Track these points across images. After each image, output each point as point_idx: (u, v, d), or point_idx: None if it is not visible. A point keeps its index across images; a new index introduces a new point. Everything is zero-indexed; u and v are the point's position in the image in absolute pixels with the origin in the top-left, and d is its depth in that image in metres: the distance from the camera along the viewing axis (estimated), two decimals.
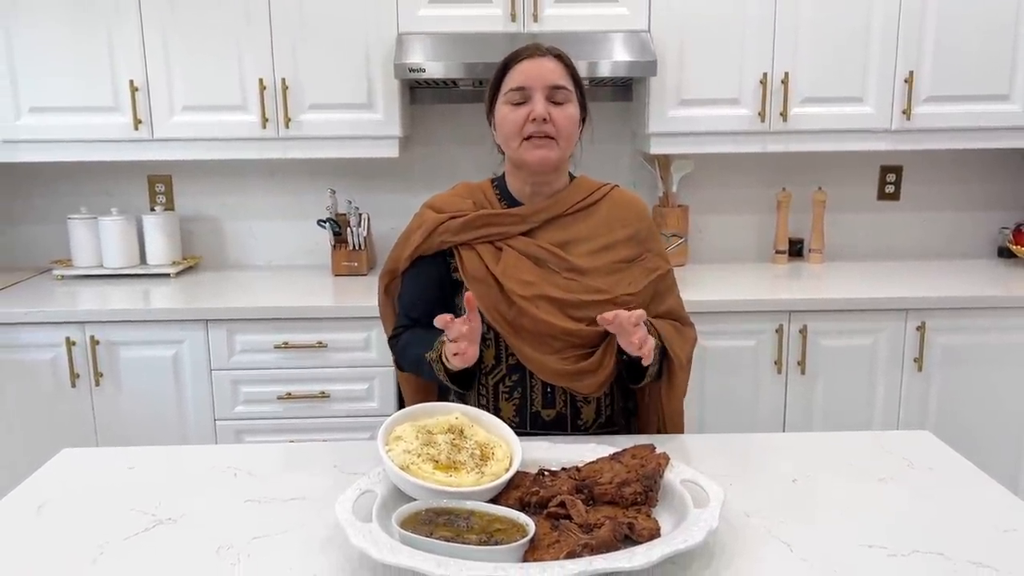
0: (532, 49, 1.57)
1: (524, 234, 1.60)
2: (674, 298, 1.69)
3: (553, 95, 1.54)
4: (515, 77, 1.55)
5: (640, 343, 1.43)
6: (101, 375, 2.65)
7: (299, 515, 1.29)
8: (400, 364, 1.72)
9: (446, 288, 1.64)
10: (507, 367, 1.60)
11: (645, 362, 1.47)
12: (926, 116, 2.86)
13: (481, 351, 1.61)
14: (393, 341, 1.72)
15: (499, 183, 1.68)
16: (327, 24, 2.77)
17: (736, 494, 1.33)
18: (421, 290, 1.67)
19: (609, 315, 1.40)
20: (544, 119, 1.52)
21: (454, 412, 1.41)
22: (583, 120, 1.62)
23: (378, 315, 1.80)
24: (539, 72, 1.54)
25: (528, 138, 1.54)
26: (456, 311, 1.63)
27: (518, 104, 1.54)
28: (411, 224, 1.67)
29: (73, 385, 2.65)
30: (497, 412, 1.61)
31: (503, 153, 1.64)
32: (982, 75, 2.83)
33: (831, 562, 1.14)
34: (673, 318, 1.67)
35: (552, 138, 1.54)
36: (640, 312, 1.41)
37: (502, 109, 1.57)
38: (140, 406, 2.68)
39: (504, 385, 1.61)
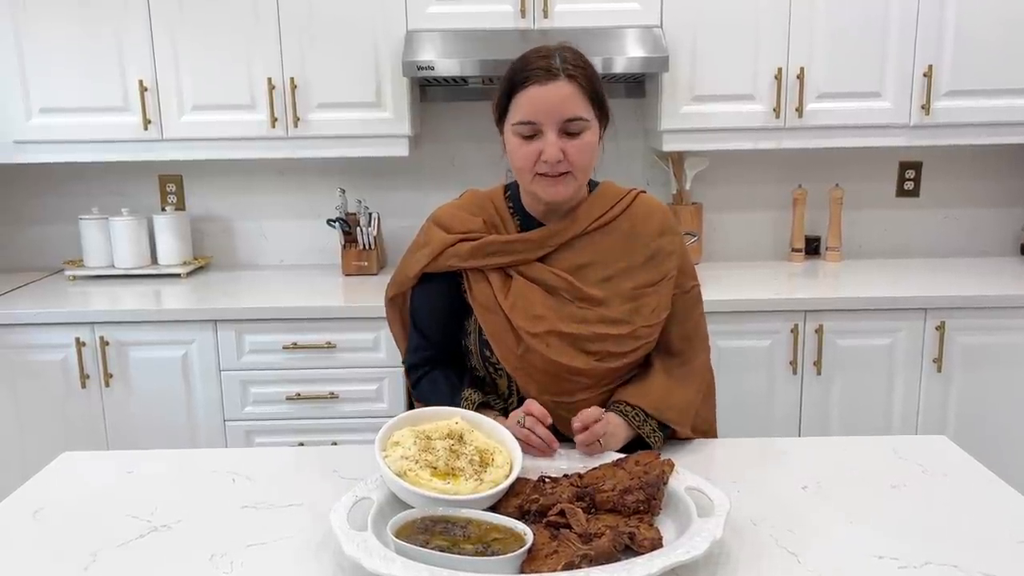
0: (542, 71, 1.39)
1: (538, 258, 1.51)
2: (692, 322, 1.60)
3: (567, 127, 1.40)
4: (524, 106, 1.40)
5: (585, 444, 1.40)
6: (111, 376, 2.65)
7: (295, 522, 1.27)
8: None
9: (457, 307, 1.57)
10: (519, 398, 1.55)
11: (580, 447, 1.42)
12: (946, 111, 2.80)
13: (495, 381, 1.57)
14: (412, 374, 1.64)
15: (512, 193, 1.57)
16: (335, 22, 2.75)
17: (743, 501, 1.29)
18: (432, 309, 1.60)
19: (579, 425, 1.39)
20: (559, 160, 1.39)
21: (454, 417, 1.39)
22: (605, 127, 1.48)
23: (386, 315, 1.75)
24: (550, 105, 1.38)
25: (541, 174, 1.43)
26: (466, 332, 1.57)
27: (528, 138, 1.41)
28: (417, 239, 1.60)
29: (83, 386, 2.65)
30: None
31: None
32: (1003, 69, 2.77)
33: (840, 573, 1.10)
34: (683, 340, 1.58)
35: (569, 172, 1.42)
36: (597, 431, 1.39)
37: (512, 140, 1.43)
38: (150, 407, 2.67)
39: None
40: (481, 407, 1.52)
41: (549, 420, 1.41)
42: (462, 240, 1.52)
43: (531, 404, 1.42)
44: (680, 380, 1.55)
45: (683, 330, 1.58)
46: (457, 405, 1.49)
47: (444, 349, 1.61)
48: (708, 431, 1.63)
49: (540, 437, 1.39)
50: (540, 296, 1.49)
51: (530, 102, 1.40)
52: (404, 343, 1.70)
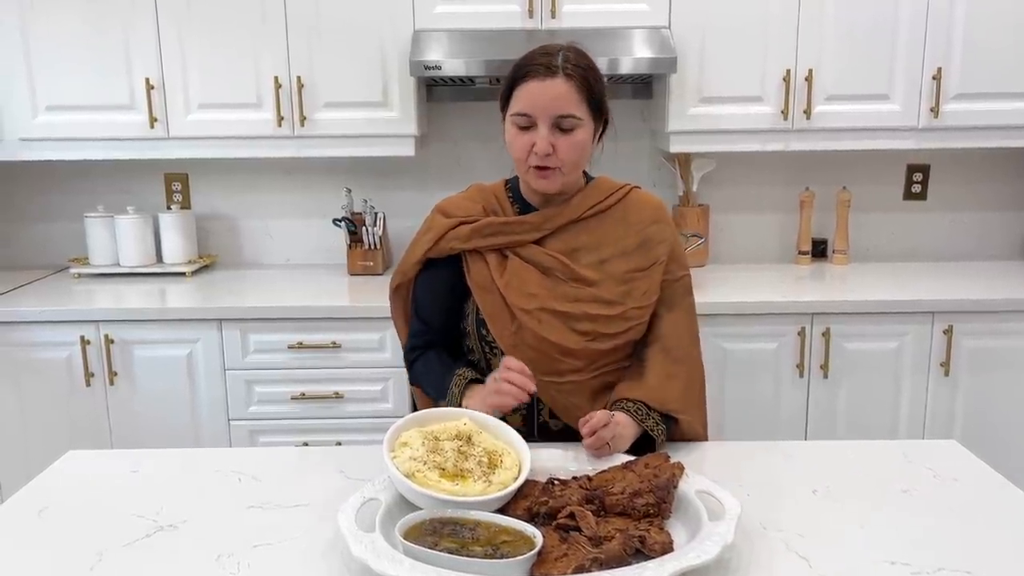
0: (543, 67, 1.45)
1: (534, 242, 1.55)
2: (681, 310, 1.60)
3: (560, 123, 1.45)
4: (521, 99, 1.46)
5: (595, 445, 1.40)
6: (115, 374, 2.64)
7: (302, 522, 1.26)
8: (415, 385, 1.69)
9: (459, 293, 1.60)
10: None
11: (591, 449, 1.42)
12: (954, 114, 2.79)
13: (489, 361, 1.59)
14: (409, 358, 1.68)
15: (513, 185, 1.63)
16: (342, 22, 2.74)
17: (753, 505, 1.28)
18: (435, 295, 1.63)
19: (588, 430, 1.38)
20: (548, 153, 1.45)
21: (462, 418, 1.38)
22: (605, 126, 1.53)
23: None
24: (544, 100, 1.44)
25: (533, 166, 1.48)
26: (465, 314, 1.60)
27: (523, 128, 1.47)
28: (421, 228, 1.64)
29: (88, 384, 2.65)
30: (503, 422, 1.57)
31: None
32: (1012, 72, 2.75)
33: None
34: (671, 328, 1.58)
35: (557, 167, 1.48)
36: (605, 436, 1.38)
37: (509, 129, 1.50)
38: (154, 406, 2.67)
39: None
40: (472, 383, 1.54)
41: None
42: (462, 223, 1.57)
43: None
44: (671, 367, 1.56)
45: (672, 317, 1.60)
46: (449, 382, 1.52)
47: (445, 334, 1.64)
48: (703, 424, 1.63)
49: (514, 383, 1.39)
50: (535, 276, 1.53)
51: (527, 95, 1.46)
52: (406, 335, 1.72)
